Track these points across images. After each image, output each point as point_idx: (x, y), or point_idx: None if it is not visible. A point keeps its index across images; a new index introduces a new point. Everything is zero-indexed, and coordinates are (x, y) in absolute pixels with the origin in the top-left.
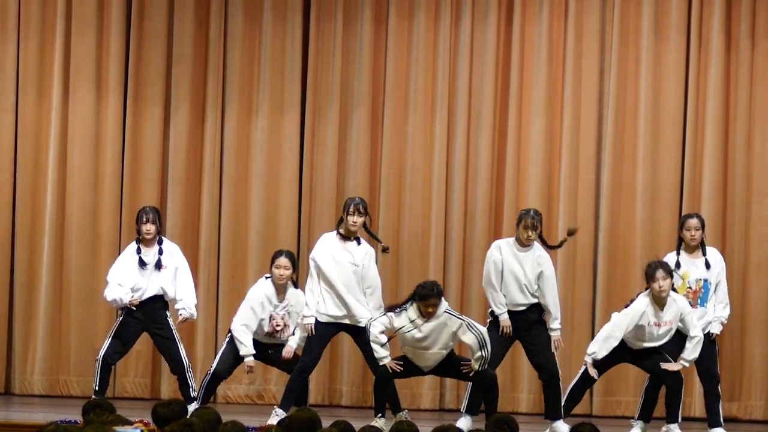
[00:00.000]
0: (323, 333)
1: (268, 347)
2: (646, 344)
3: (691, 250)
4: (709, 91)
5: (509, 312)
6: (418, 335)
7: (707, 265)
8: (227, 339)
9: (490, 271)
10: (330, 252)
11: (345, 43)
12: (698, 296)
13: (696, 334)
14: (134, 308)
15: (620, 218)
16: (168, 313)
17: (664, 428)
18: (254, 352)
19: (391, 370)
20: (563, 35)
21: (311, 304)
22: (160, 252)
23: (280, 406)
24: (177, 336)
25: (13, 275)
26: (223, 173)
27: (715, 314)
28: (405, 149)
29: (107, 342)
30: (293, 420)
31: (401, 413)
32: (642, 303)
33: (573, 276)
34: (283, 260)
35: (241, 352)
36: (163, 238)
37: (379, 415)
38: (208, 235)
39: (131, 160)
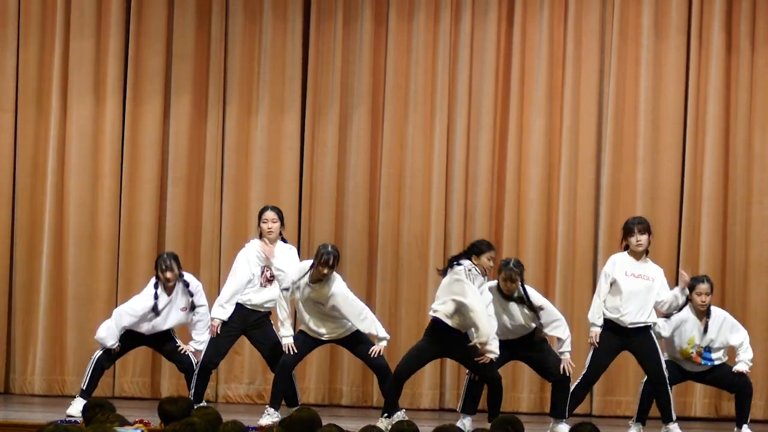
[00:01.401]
0: (305, 342)
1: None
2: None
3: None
4: (709, 91)
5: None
6: None
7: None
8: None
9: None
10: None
11: (345, 43)
12: None
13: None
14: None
15: (620, 218)
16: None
17: (663, 429)
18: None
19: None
20: (563, 35)
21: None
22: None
23: (270, 405)
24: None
25: (12, 275)
26: (223, 173)
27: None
28: (405, 149)
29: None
30: (293, 420)
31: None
32: (616, 256)
33: (573, 276)
34: (270, 214)
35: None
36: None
37: (386, 414)
38: (208, 234)
39: (131, 159)
